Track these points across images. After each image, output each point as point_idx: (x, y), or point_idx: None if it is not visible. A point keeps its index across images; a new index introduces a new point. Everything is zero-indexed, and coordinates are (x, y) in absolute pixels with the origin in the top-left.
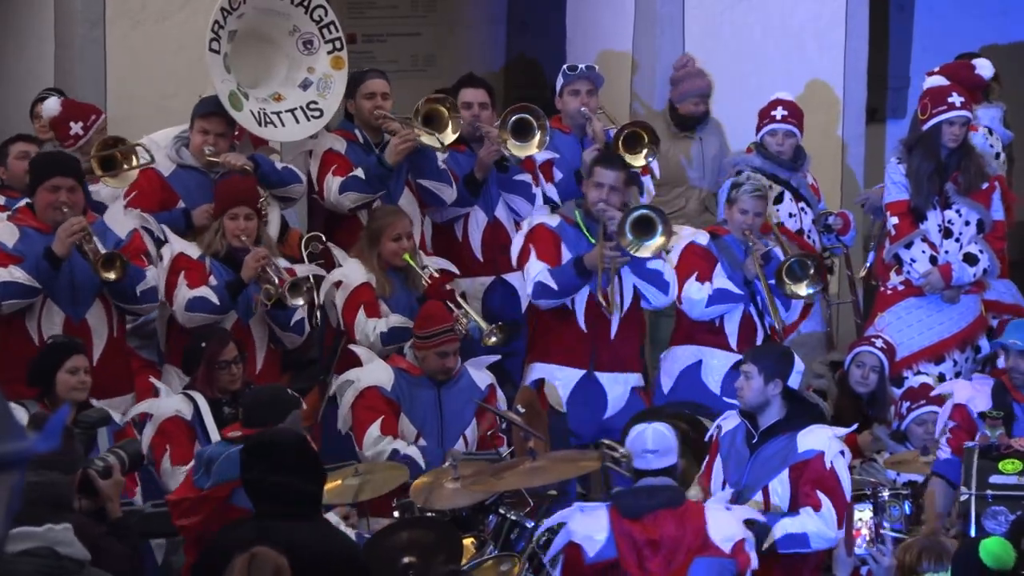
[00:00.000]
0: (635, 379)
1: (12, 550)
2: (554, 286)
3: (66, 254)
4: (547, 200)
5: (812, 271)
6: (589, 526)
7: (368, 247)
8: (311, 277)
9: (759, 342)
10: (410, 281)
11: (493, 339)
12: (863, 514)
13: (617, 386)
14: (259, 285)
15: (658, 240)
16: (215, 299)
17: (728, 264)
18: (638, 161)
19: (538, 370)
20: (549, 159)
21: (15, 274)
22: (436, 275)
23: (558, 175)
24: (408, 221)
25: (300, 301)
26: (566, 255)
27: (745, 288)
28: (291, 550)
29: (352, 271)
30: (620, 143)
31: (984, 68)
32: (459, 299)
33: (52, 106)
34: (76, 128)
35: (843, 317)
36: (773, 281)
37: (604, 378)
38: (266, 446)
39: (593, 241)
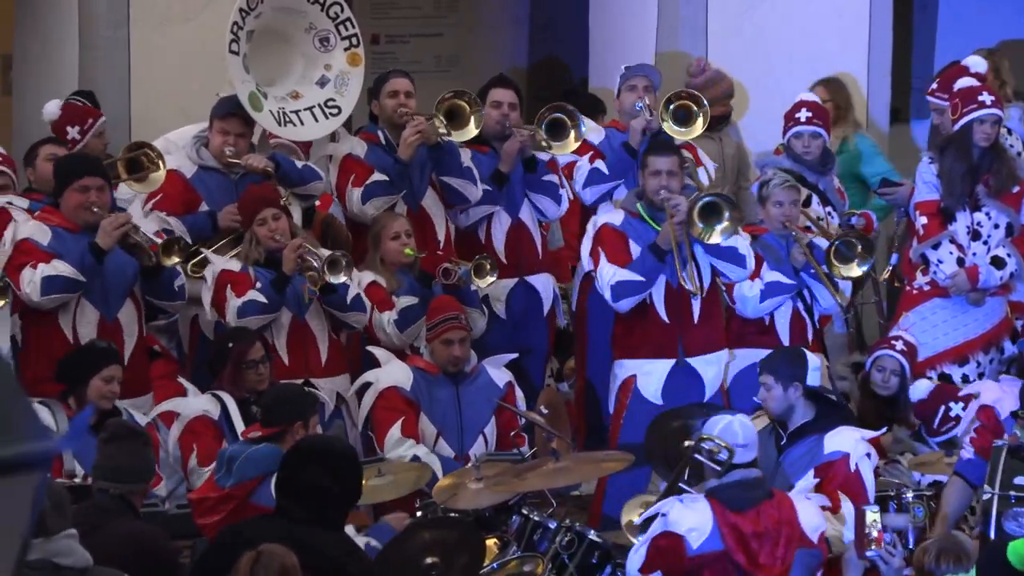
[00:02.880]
0: (726, 356)
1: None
2: (638, 278)
3: (111, 247)
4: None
5: (860, 248)
6: (692, 518)
7: (373, 252)
8: (348, 253)
9: (810, 337)
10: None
11: (489, 278)
12: (874, 516)
13: (711, 367)
14: (303, 276)
15: (725, 223)
16: (262, 298)
17: (773, 261)
18: (695, 132)
19: (627, 367)
20: (597, 151)
21: (59, 268)
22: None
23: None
24: (403, 219)
25: (342, 277)
26: (635, 250)
27: (796, 278)
28: (314, 556)
29: (360, 275)
30: (671, 119)
31: (977, 64)
32: (452, 259)
33: (52, 110)
34: (73, 132)
35: (867, 318)
36: (825, 268)
37: (696, 363)
38: (319, 450)
39: (659, 229)
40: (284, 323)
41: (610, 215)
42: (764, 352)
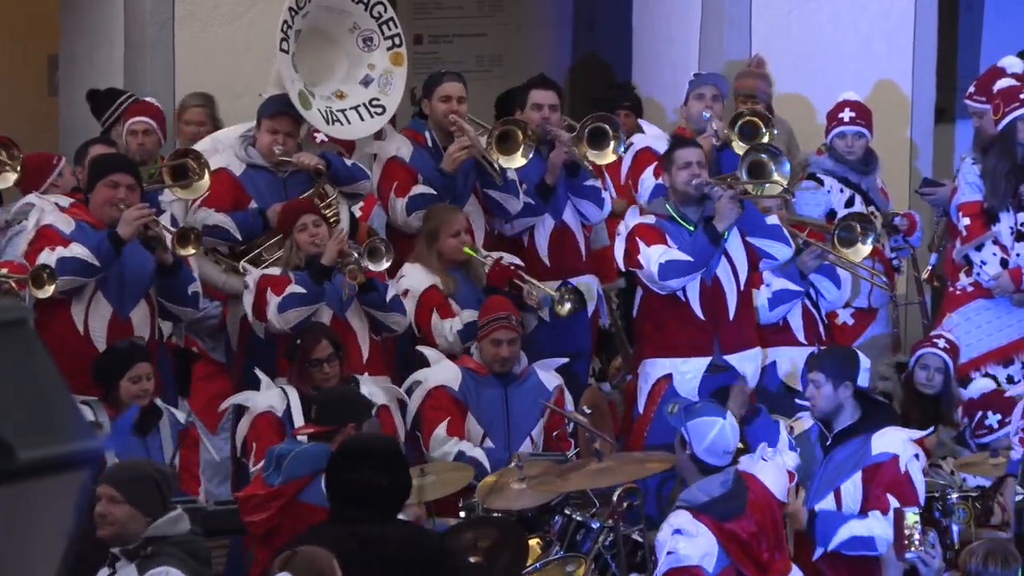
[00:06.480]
0: (760, 353)
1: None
2: (688, 258)
3: (130, 237)
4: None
5: (858, 227)
6: (700, 545)
7: (427, 247)
8: (386, 239)
9: (821, 331)
10: (473, 273)
11: (567, 306)
12: (914, 517)
13: (748, 364)
14: (343, 272)
15: (776, 177)
16: (301, 289)
17: (779, 268)
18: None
19: (661, 365)
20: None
21: (75, 250)
22: (496, 258)
23: None
24: (464, 216)
25: (383, 263)
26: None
27: (803, 283)
28: (381, 550)
29: (415, 277)
30: (737, 133)
31: (1013, 65)
32: (523, 275)
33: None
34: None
35: (910, 319)
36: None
37: (733, 360)
38: (364, 450)
39: (691, 229)
40: (325, 320)
41: (640, 218)
42: (782, 350)
